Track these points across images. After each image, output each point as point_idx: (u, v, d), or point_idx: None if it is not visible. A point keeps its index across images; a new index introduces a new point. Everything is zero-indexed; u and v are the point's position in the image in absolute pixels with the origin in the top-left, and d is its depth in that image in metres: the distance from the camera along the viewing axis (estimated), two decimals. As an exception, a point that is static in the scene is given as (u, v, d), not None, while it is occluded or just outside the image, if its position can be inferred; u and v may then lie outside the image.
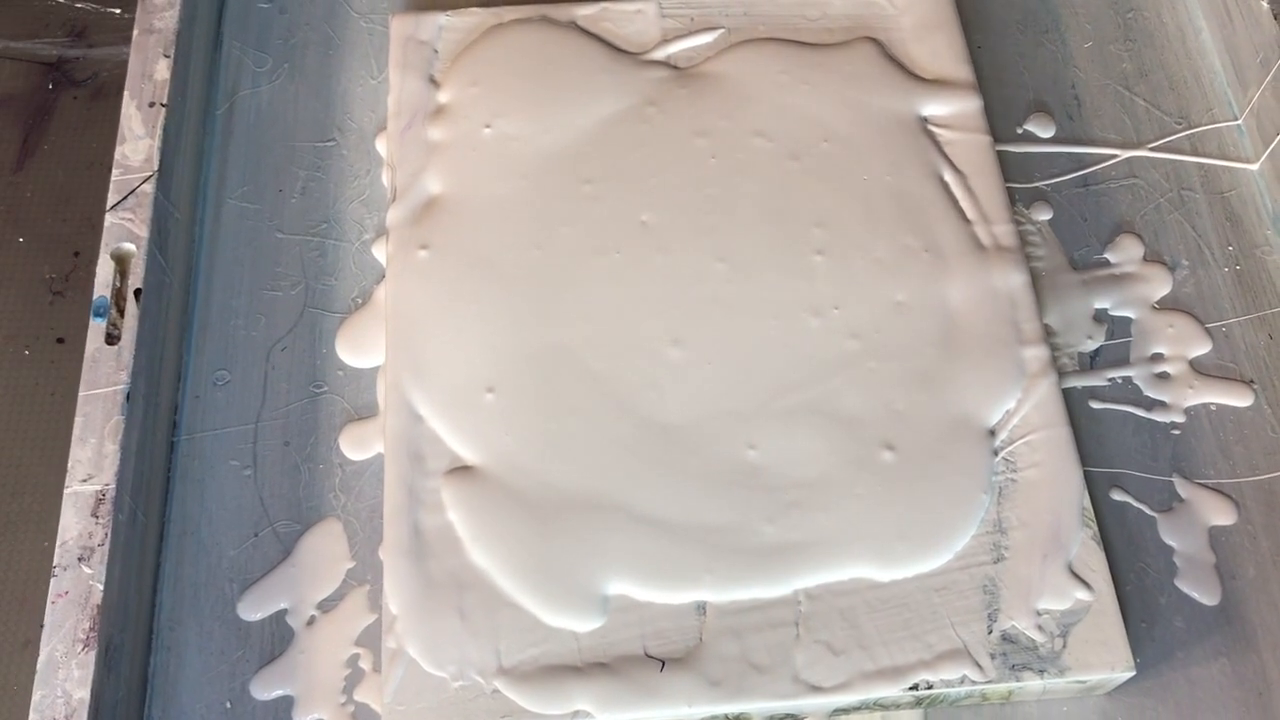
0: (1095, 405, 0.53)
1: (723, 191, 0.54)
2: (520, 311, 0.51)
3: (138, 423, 0.49)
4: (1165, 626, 0.49)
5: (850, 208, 0.53)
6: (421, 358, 0.50)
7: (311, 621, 0.49)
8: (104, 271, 0.51)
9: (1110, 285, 0.56)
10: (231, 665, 0.48)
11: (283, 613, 0.49)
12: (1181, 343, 0.54)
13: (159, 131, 0.54)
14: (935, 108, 0.56)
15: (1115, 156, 0.59)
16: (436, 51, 0.57)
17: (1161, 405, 0.53)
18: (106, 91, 0.64)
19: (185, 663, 0.48)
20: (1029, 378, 0.50)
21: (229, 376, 0.53)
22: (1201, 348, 0.54)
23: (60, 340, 0.58)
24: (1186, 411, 0.53)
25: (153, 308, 0.51)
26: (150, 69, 0.55)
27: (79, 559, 0.45)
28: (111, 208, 0.52)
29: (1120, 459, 0.52)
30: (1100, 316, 0.55)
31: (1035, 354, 0.50)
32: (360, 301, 0.55)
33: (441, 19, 0.58)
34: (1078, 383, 0.53)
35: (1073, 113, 0.60)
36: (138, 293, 0.50)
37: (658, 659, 0.45)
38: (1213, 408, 0.53)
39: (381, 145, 0.59)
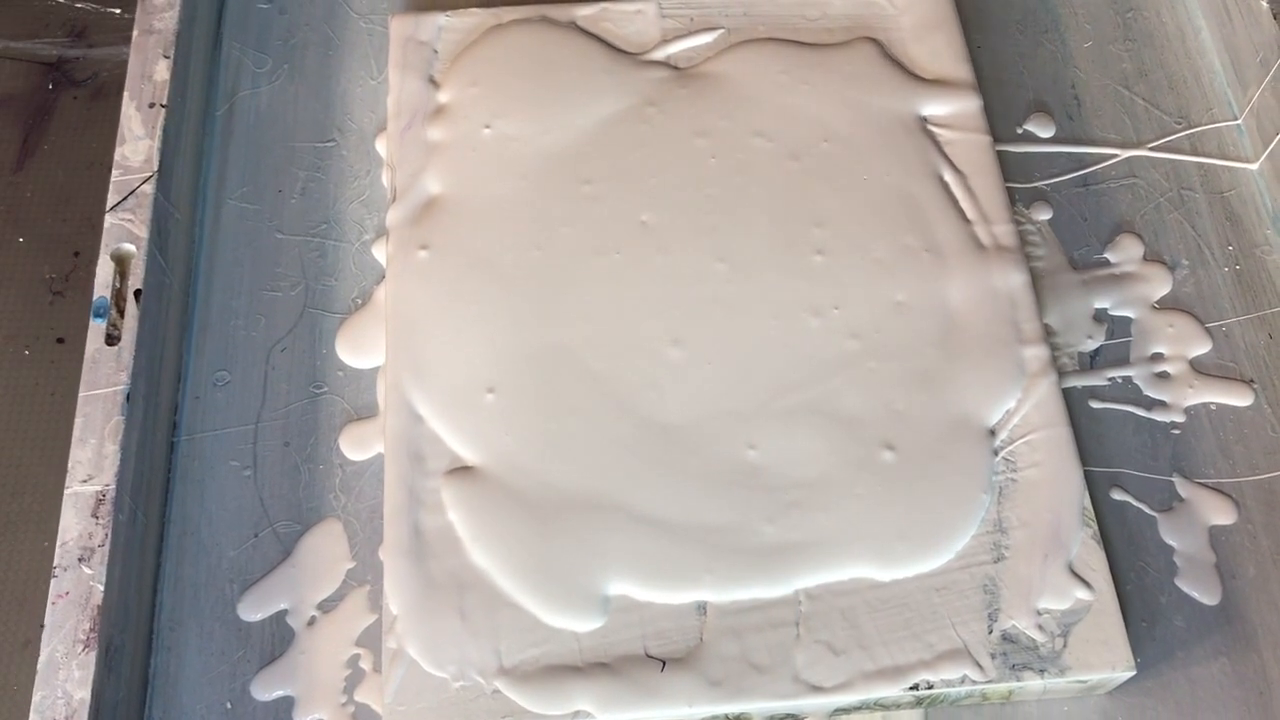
0: (1095, 405, 0.53)
1: (723, 191, 0.54)
2: (520, 312, 0.51)
3: (138, 423, 0.49)
4: (1166, 626, 0.49)
5: (850, 208, 0.53)
6: (422, 358, 0.50)
7: (312, 622, 0.49)
8: (104, 272, 0.51)
9: (1110, 285, 0.56)
10: (232, 666, 0.48)
11: (283, 613, 0.49)
12: (1181, 342, 0.54)
13: (159, 132, 0.54)
14: (935, 107, 0.56)
15: (1115, 156, 0.59)
16: (436, 52, 0.57)
17: (1161, 405, 0.53)
18: (106, 91, 0.64)
19: (186, 663, 0.48)
20: (1029, 377, 0.50)
21: (229, 377, 0.53)
22: (1201, 347, 0.54)
23: (60, 340, 0.58)
24: (1186, 411, 0.53)
25: (153, 308, 0.51)
26: (150, 70, 0.55)
27: (79, 559, 0.45)
28: (111, 208, 0.52)
29: (1120, 458, 0.52)
30: (1100, 316, 0.55)
31: (1035, 354, 0.50)
32: (360, 302, 0.55)
33: (441, 19, 0.58)
34: (1078, 382, 0.53)
35: (1072, 112, 0.60)
36: (138, 293, 0.50)
37: (658, 659, 0.45)
38: (1213, 407, 0.53)
39: (381, 146, 0.59)
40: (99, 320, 0.50)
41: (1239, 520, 0.51)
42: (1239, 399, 0.53)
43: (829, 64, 0.57)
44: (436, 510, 0.47)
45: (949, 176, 0.54)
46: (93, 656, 0.44)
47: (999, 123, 0.59)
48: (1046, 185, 0.58)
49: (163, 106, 0.54)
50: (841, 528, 0.47)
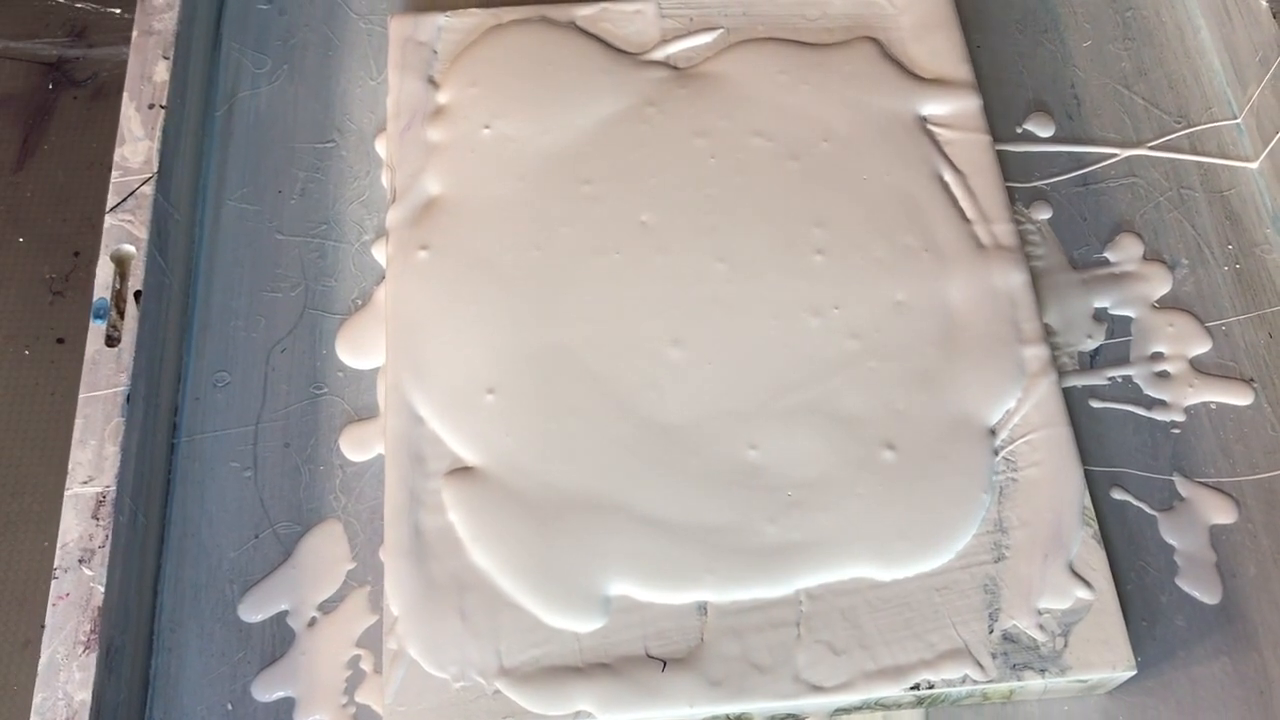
0: (1095, 404, 0.53)
1: (722, 191, 0.54)
2: (520, 312, 0.51)
3: (138, 424, 0.49)
4: (1166, 625, 0.49)
5: (850, 207, 0.53)
6: (422, 359, 0.50)
7: (312, 623, 0.49)
8: (104, 273, 0.51)
9: (1110, 284, 0.56)
10: (232, 667, 0.48)
11: (284, 614, 0.49)
12: (1181, 341, 0.54)
13: (158, 133, 0.54)
14: (935, 107, 0.56)
15: (1115, 155, 0.59)
16: (436, 52, 0.57)
17: (1162, 404, 0.53)
18: (106, 92, 0.64)
19: (186, 664, 0.48)
20: (1029, 377, 0.50)
21: (229, 378, 0.53)
22: (1201, 346, 0.54)
23: (60, 340, 0.58)
24: (1187, 410, 0.53)
25: (152, 309, 0.51)
26: (150, 70, 0.55)
27: (80, 561, 0.45)
28: (111, 209, 0.52)
29: (1120, 458, 0.52)
30: (1100, 315, 0.55)
31: (1035, 353, 0.50)
32: (360, 303, 0.55)
33: (440, 20, 0.58)
34: (1078, 382, 0.53)
35: (1072, 112, 0.60)
36: (138, 294, 0.50)
37: (659, 659, 0.45)
38: (1213, 406, 0.53)
39: (381, 146, 0.59)
40: (99, 322, 0.50)
41: (1239, 519, 0.51)
42: (1239, 398, 0.53)
43: (829, 64, 0.57)
44: (437, 511, 0.47)
45: (949, 176, 0.54)
46: (93, 658, 0.44)
47: (999, 122, 0.59)
48: (1046, 185, 0.58)
49: (162, 107, 0.54)
50: (842, 527, 0.47)
